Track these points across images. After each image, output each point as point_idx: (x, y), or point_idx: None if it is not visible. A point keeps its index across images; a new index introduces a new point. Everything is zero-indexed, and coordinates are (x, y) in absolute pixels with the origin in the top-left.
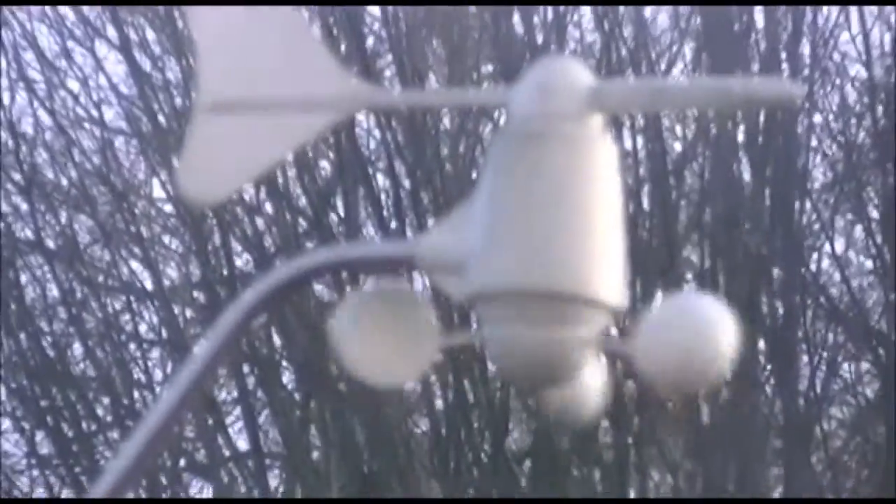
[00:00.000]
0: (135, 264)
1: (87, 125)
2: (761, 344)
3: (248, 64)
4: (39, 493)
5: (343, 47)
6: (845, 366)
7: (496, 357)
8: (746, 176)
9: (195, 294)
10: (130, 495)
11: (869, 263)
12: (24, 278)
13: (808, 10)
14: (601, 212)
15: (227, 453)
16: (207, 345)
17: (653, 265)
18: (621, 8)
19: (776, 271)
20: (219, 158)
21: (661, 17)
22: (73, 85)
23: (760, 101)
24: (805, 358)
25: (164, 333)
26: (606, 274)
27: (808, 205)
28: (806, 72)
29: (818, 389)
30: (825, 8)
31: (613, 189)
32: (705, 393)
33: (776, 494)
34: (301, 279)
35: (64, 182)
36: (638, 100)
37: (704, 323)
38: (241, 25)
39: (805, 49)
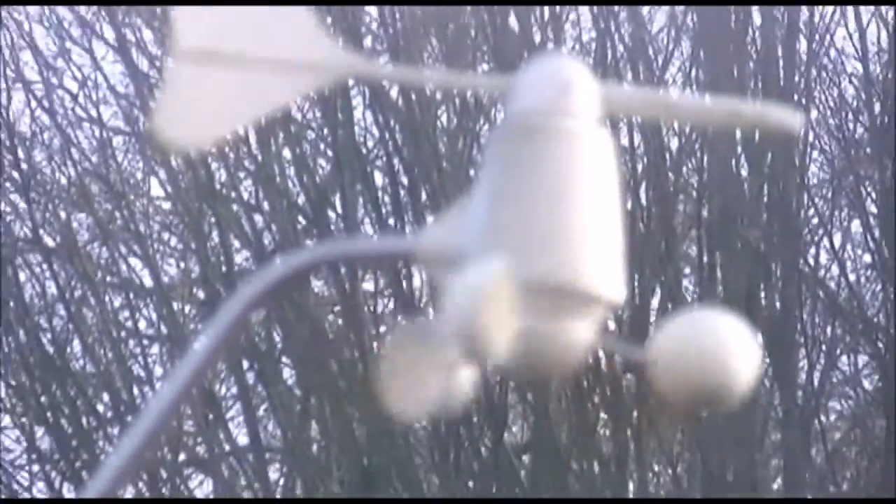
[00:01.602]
0: (134, 261)
1: (85, 124)
2: (760, 337)
3: (234, 19)
4: (39, 488)
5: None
6: (844, 359)
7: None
8: (744, 171)
9: (194, 290)
10: (132, 492)
11: (867, 257)
12: (22, 276)
13: (805, 7)
14: (601, 207)
15: (227, 448)
16: (206, 340)
17: (651, 260)
18: (618, 6)
19: (774, 266)
20: (198, 108)
21: (658, 15)
22: (71, 85)
23: (764, 127)
24: (803, 351)
25: (164, 329)
26: (605, 268)
27: (805, 199)
28: (802, 68)
29: (816, 383)
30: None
31: (613, 184)
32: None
33: (775, 486)
34: (300, 274)
35: (63, 180)
36: (646, 108)
37: (726, 345)
38: None
39: (802, 46)
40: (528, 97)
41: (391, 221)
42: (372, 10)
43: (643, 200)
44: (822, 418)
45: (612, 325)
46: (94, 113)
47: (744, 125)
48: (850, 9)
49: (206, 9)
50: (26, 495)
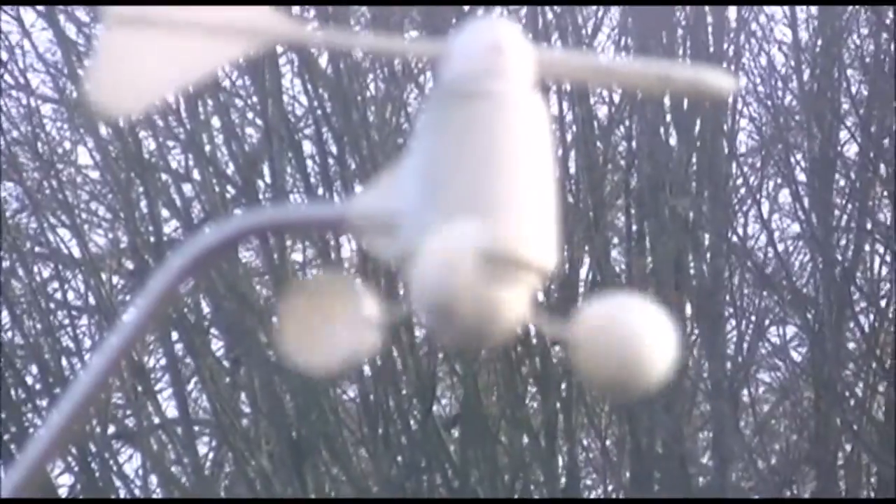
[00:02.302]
0: (62, 231)
1: (13, 92)
2: (688, 308)
3: None
4: None
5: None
6: (773, 330)
7: (427, 318)
8: (673, 140)
9: (123, 261)
10: (60, 465)
11: (796, 227)
12: None
13: None
14: (534, 173)
15: (156, 420)
16: (136, 311)
17: (579, 229)
18: None
19: (703, 235)
20: (128, 74)
21: None
22: None
23: (696, 90)
24: (732, 322)
25: (92, 300)
26: (538, 235)
27: (734, 168)
28: (731, 35)
29: (745, 353)
30: None
31: (546, 150)
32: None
33: (704, 459)
34: (230, 243)
35: None
36: (581, 73)
37: (643, 333)
38: None
39: (731, 12)
40: (460, 61)
41: (320, 191)
42: None
43: (571, 170)
44: (751, 390)
45: (540, 295)
46: (21, 80)
47: (676, 89)
48: None
49: None
50: None
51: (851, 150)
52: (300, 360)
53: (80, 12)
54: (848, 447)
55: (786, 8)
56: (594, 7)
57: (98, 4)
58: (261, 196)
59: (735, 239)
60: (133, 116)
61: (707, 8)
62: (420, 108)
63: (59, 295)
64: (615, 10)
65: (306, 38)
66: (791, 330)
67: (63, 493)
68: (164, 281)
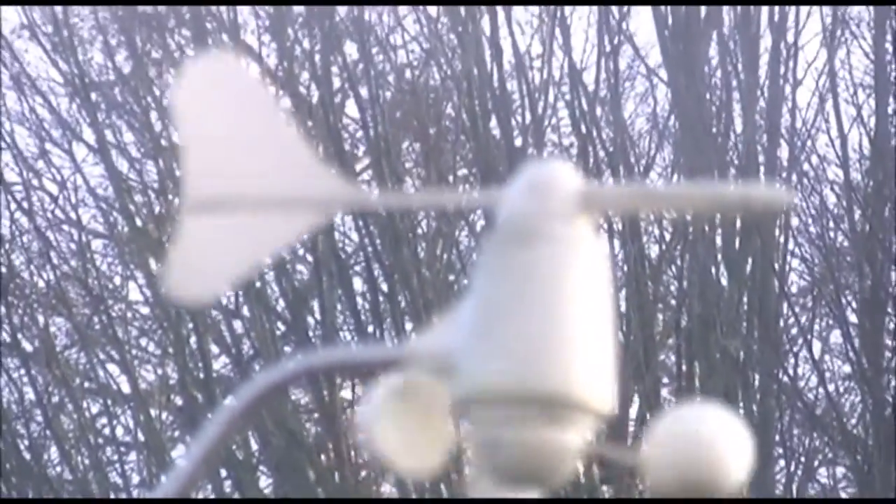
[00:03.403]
0: (111, 367)
1: (64, 227)
2: None
3: (233, 163)
4: None
5: (320, 148)
6: (822, 470)
7: (484, 458)
8: (724, 279)
9: (172, 397)
10: None
11: (847, 368)
12: (1, 381)
13: (786, 112)
14: (591, 314)
15: None
16: (191, 453)
17: (629, 368)
18: (599, 110)
19: (753, 375)
20: (204, 259)
21: (639, 120)
22: (51, 186)
23: (752, 207)
24: (782, 462)
25: (141, 436)
26: (595, 377)
27: (785, 308)
28: (784, 174)
29: (795, 493)
30: (803, 110)
31: (604, 291)
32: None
33: None
34: (284, 385)
35: (41, 284)
36: (628, 202)
37: (714, 435)
38: (227, 124)
39: (783, 152)
40: (518, 202)
41: (370, 328)
42: (353, 111)
43: (622, 308)
44: None
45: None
46: (73, 215)
47: (730, 208)
48: (831, 114)
49: (211, 156)
50: None
51: None
52: (398, 463)
53: (132, 148)
54: None
55: (838, 148)
56: (646, 146)
57: (99, 4)
58: (310, 333)
59: (785, 379)
60: (211, 300)
61: (759, 147)
62: (480, 248)
63: (107, 430)
64: (667, 149)
65: (372, 203)
66: (840, 471)
67: None
68: (217, 425)
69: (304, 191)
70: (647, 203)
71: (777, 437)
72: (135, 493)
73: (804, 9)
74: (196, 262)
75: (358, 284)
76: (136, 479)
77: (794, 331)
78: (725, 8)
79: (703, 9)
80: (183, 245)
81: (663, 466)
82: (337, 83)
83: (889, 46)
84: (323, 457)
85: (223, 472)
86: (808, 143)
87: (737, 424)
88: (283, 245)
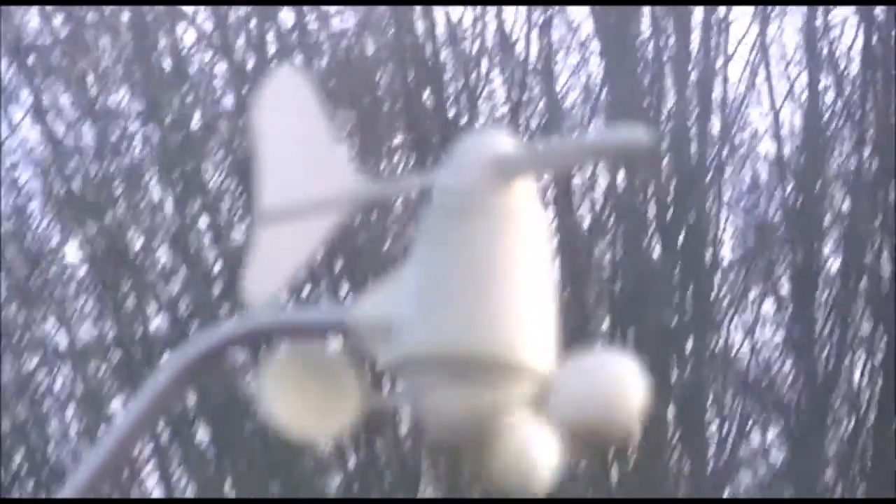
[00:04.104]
0: (50, 323)
1: (2, 188)
2: (671, 410)
3: (295, 174)
4: None
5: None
6: (755, 435)
7: (423, 418)
8: (657, 249)
9: (110, 352)
10: None
11: (778, 337)
12: None
13: (719, 86)
14: (528, 278)
15: None
16: (130, 411)
17: (562, 335)
18: (532, 81)
19: (686, 344)
20: (265, 263)
21: (572, 94)
22: None
23: (615, 150)
24: (715, 426)
25: (80, 390)
26: (533, 339)
27: (718, 279)
28: (716, 147)
29: (727, 453)
30: (735, 85)
31: (541, 256)
32: (615, 447)
33: None
34: (222, 347)
35: None
36: (533, 162)
37: (615, 378)
38: (291, 137)
39: (715, 125)
40: (452, 176)
41: (305, 291)
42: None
43: (556, 277)
44: (731, 489)
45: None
46: (13, 175)
47: (598, 153)
48: (764, 89)
49: (279, 169)
50: None
51: (834, 265)
52: (285, 429)
53: (69, 111)
54: None
55: (770, 121)
56: (578, 115)
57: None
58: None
59: (717, 348)
60: (276, 295)
61: (692, 120)
62: (420, 217)
63: (45, 384)
64: (599, 119)
65: (377, 192)
66: (772, 434)
67: None
68: (158, 384)
69: (343, 192)
70: (546, 160)
71: (710, 403)
72: (73, 445)
73: None
74: (267, 265)
75: None
76: (73, 429)
77: (725, 302)
78: None
79: None
80: (258, 252)
81: (568, 404)
82: (272, 50)
83: (819, 22)
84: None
85: (161, 424)
86: (740, 117)
87: (633, 367)
88: (324, 242)
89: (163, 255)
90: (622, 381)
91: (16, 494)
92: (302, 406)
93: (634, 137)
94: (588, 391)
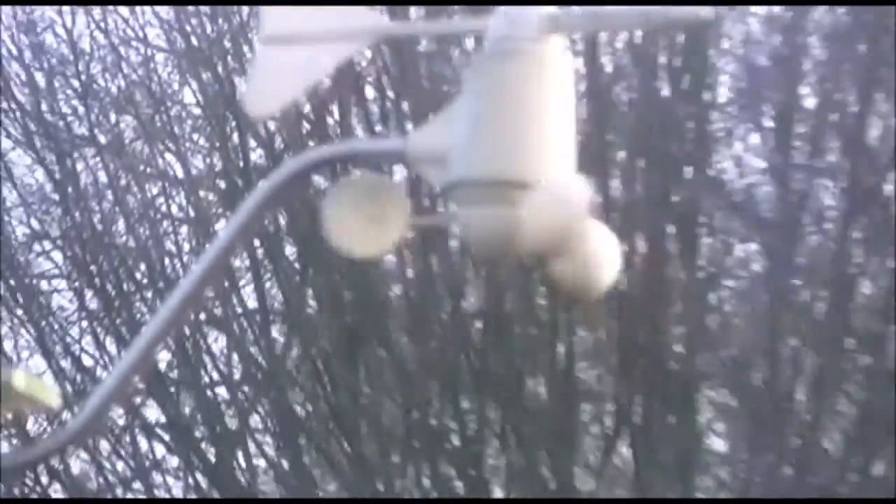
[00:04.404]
0: (169, 156)
1: (133, 43)
2: (670, 227)
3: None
4: (87, 340)
5: None
6: (739, 246)
7: (468, 233)
8: (666, 91)
9: (217, 181)
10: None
11: (763, 164)
12: (79, 167)
13: None
14: (559, 115)
15: (239, 310)
16: (231, 225)
17: (585, 163)
18: None
19: (685, 170)
20: (273, 81)
21: None
22: (123, 10)
23: (678, 23)
24: (708, 240)
25: (191, 213)
26: (558, 166)
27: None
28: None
29: (715, 264)
30: None
31: (568, 96)
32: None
33: (677, 348)
34: (307, 170)
35: (114, 89)
36: (583, 23)
37: (576, 196)
38: None
39: None
40: (495, 28)
41: (378, 128)
42: None
43: (581, 115)
44: (718, 294)
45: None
46: (140, 34)
47: (662, 24)
48: None
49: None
50: (77, 347)
51: (810, 103)
52: (346, 248)
53: None
54: (793, 341)
55: None
56: None
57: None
58: (330, 131)
59: (711, 173)
60: (278, 116)
61: None
62: (469, 65)
63: (164, 208)
64: None
65: (400, 32)
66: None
67: (162, 367)
68: (253, 201)
69: (353, 24)
70: (598, 22)
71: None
72: (185, 259)
73: None
74: (266, 84)
75: (370, 93)
76: (186, 247)
77: (720, 135)
78: None
79: None
80: (258, 70)
81: (539, 220)
82: None
83: None
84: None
85: (256, 242)
86: None
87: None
88: (329, 72)
89: None
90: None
91: (137, 302)
92: (359, 225)
93: (699, 15)
94: (556, 209)
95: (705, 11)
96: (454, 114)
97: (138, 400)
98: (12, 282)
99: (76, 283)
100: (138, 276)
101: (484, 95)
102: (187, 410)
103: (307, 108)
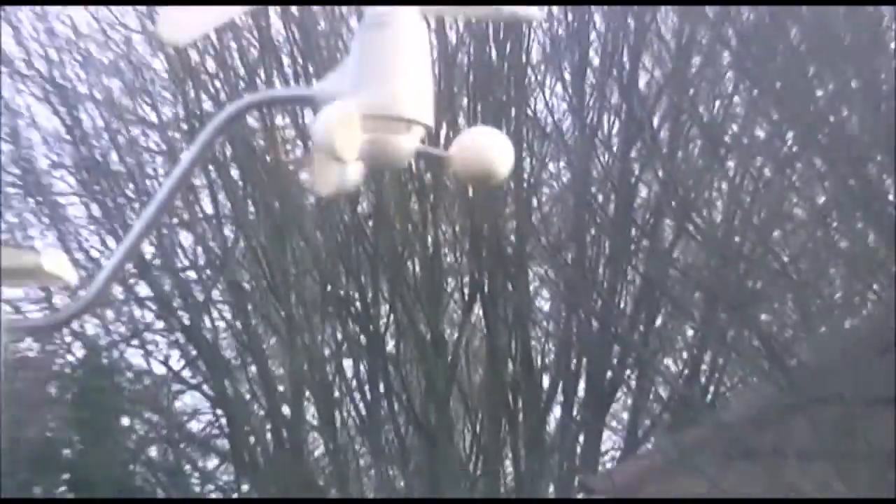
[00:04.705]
0: (146, 107)
1: (117, 27)
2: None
3: None
4: (94, 240)
5: None
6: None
7: (368, 151)
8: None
9: (181, 124)
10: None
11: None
12: (83, 116)
13: None
14: (422, 64)
15: (200, 215)
16: (190, 154)
17: (438, 106)
18: None
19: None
20: (187, 13)
21: None
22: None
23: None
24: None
25: (164, 147)
26: (424, 103)
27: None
28: None
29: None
30: None
31: (426, 52)
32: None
33: (512, 237)
34: (241, 112)
35: (105, 61)
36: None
37: (493, 141)
38: None
39: None
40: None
41: (291, 83)
42: None
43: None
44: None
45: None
46: (123, 20)
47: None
48: None
49: None
50: (87, 243)
51: None
52: (313, 188)
53: None
54: (593, 230)
55: None
56: None
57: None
58: (257, 87)
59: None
60: (195, 41)
61: None
62: (357, 30)
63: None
64: None
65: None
66: None
67: (148, 256)
68: (204, 136)
69: None
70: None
71: None
72: (160, 180)
73: None
74: (181, 15)
75: (286, 61)
76: (161, 172)
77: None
78: None
79: None
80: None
81: (463, 158)
82: None
83: None
84: (267, 157)
85: (210, 167)
86: None
87: (504, 138)
88: (245, 9)
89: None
90: (500, 146)
91: (128, 212)
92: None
93: (525, 14)
94: (477, 151)
95: (533, 12)
96: (346, 69)
97: (131, 280)
98: (40, 198)
99: (85, 200)
100: (128, 192)
101: (365, 51)
102: (167, 287)
103: (242, 72)
